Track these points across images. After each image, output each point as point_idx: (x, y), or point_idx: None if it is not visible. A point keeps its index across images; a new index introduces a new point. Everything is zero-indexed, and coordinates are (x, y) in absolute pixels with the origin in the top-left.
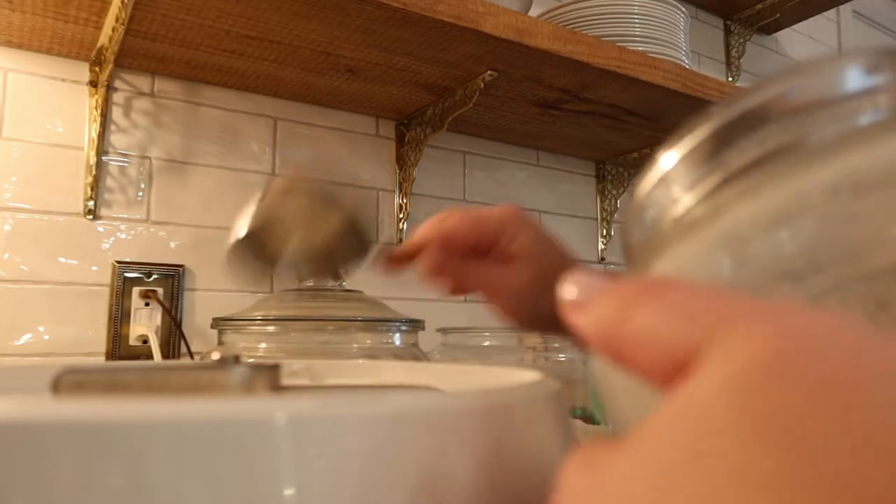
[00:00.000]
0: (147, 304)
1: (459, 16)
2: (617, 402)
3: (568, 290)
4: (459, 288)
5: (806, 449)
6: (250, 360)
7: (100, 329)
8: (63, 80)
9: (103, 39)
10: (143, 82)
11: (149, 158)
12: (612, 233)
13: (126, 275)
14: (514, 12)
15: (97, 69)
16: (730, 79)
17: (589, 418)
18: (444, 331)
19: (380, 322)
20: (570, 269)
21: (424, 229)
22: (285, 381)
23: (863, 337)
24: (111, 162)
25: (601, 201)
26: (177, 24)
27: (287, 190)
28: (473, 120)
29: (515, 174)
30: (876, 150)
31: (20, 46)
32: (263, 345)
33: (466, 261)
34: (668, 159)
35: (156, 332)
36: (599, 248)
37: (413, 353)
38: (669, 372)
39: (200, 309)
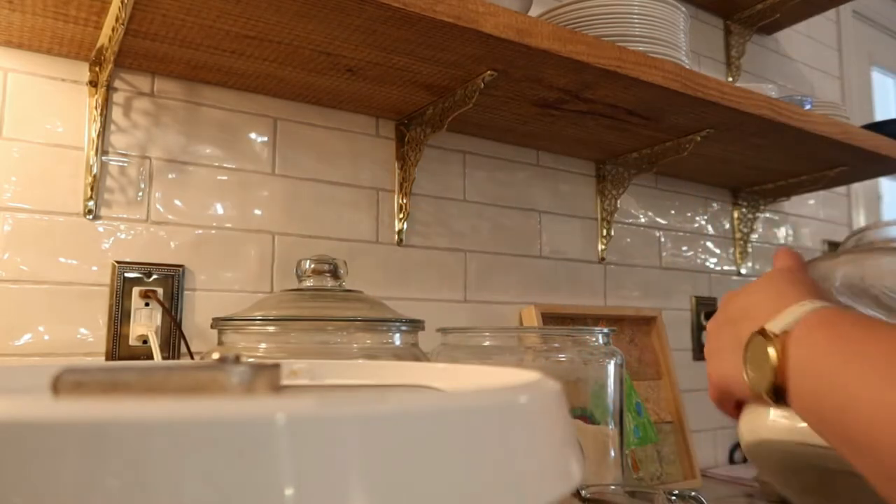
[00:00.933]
0: (147, 304)
1: (459, 16)
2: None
3: None
4: None
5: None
6: (250, 360)
7: (100, 329)
8: (63, 80)
9: (103, 39)
10: (143, 82)
11: (149, 158)
12: (612, 233)
13: (126, 275)
14: (514, 12)
15: (97, 69)
16: (730, 79)
17: (589, 418)
18: (444, 331)
19: (380, 322)
20: None
21: None
22: (285, 381)
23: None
24: (111, 162)
25: (601, 201)
26: (177, 24)
27: None
28: (473, 120)
29: (515, 174)
30: None
31: (20, 46)
32: (263, 345)
33: None
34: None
35: (156, 332)
36: (599, 248)
37: (413, 353)
38: None
39: (200, 309)
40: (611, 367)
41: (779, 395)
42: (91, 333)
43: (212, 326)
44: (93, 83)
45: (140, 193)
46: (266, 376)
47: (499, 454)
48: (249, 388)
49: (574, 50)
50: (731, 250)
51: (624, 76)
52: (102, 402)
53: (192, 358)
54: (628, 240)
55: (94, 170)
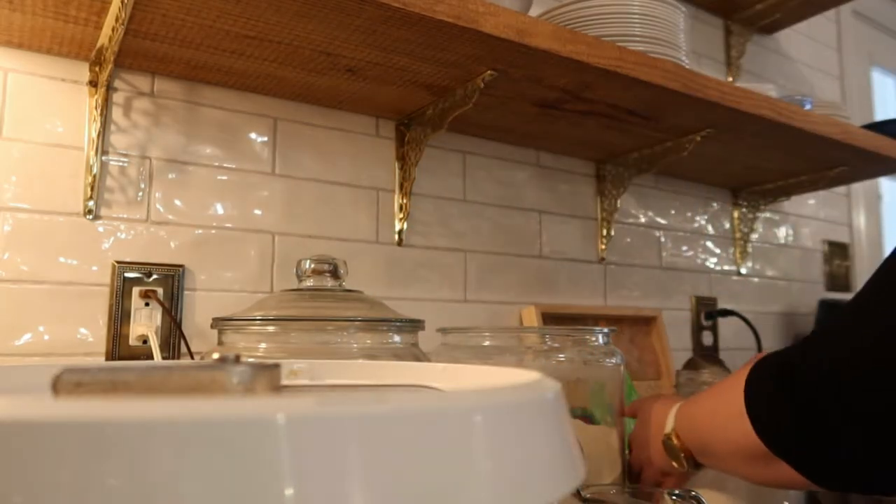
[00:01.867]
0: (147, 304)
1: (459, 16)
2: None
3: None
4: None
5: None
6: (250, 360)
7: (100, 329)
8: (63, 80)
9: (103, 39)
10: (143, 82)
11: (149, 158)
12: (612, 233)
13: (126, 275)
14: (514, 12)
15: (97, 69)
16: (730, 79)
17: (589, 418)
18: (444, 331)
19: (380, 322)
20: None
21: None
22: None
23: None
24: (111, 162)
25: (601, 201)
26: (177, 24)
27: None
28: (473, 120)
29: (515, 174)
30: None
31: (20, 46)
32: (263, 345)
33: None
34: None
35: (156, 332)
36: (599, 248)
37: (413, 353)
38: None
39: (200, 309)
40: (611, 367)
41: (687, 457)
42: (91, 333)
43: (212, 326)
44: (93, 83)
45: (140, 193)
46: (266, 376)
47: (499, 454)
48: (249, 388)
49: (574, 50)
50: (731, 250)
51: (624, 76)
52: (102, 402)
53: (192, 358)
54: (628, 240)
55: (94, 170)
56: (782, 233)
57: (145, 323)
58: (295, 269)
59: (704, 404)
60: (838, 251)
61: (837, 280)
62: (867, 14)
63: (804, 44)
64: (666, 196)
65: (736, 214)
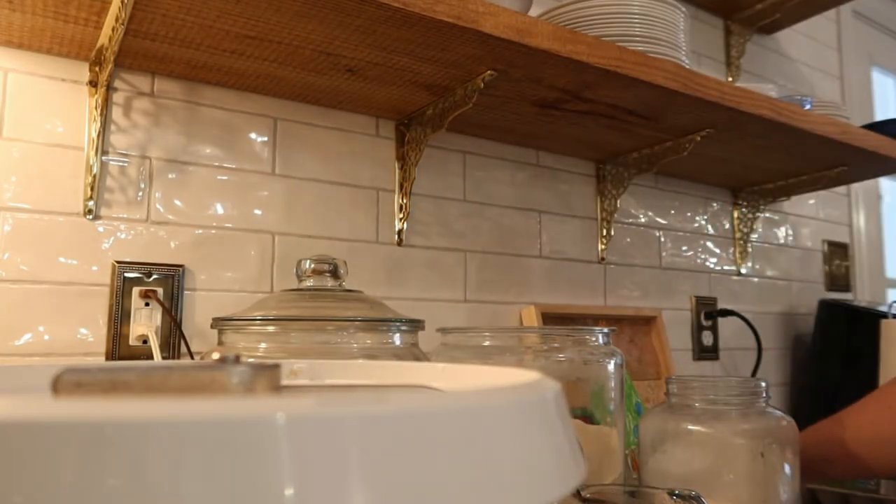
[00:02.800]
0: (147, 304)
1: (459, 16)
2: None
3: None
4: None
5: None
6: (250, 360)
7: (100, 329)
8: (63, 80)
9: (103, 39)
10: (143, 82)
11: (149, 158)
12: (612, 233)
13: (126, 275)
14: (514, 12)
15: (97, 69)
16: (730, 79)
17: (589, 418)
18: (444, 331)
19: (380, 322)
20: None
21: None
22: (285, 381)
23: None
24: (111, 162)
25: (601, 201)
26: (177, 24)
27: None
28: (473, 120)
29: (515, 174)
30: None
31: (20, 46)
32: (263, 345)
33: None
34: None
35: (156, 332)
36: (599, 248)
37: (413, 353)
38: None
39: (200, 309)
40: (611, 367)
41: None
42: (91, 333)
43: (212, 326)
44: (93, 83)
45: (140, 193)
46: (266, 376)
47: (498, 454)
48: (249, 388)
49: (574, 50)
50: (731, 250)
51: (624, 76)
52: (102, 402)
53: (192, 358)
54: (628, 240)
55: (94, 170)
56: (782, 233)
57: (145, 323)
58: (295, 269)
59: None
60: (838, 251)
61: (837, 280)
62: (867, 14)
63: (804, 44)
64: (666, 196)
65: (736, 214)
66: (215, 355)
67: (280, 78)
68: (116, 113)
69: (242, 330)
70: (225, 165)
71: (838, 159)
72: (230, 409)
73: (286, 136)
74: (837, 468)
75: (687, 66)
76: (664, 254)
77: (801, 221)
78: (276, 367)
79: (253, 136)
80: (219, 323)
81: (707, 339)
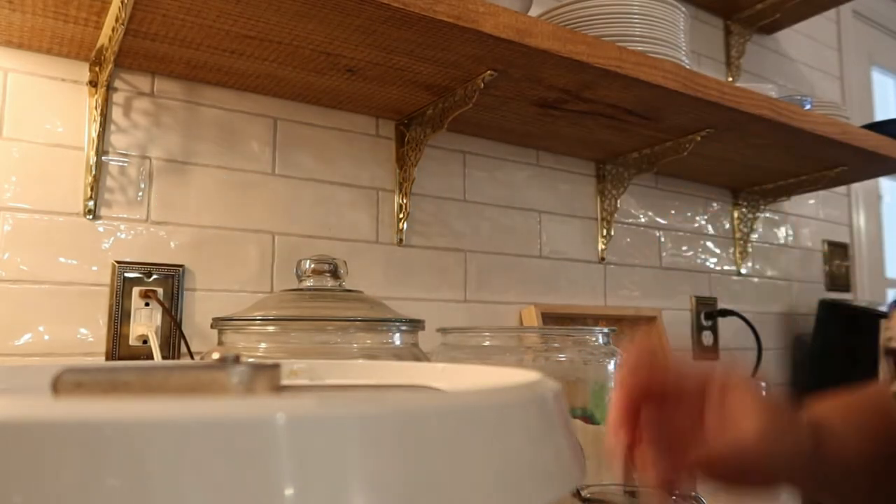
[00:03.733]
0: (147, 304)
1: (459, 16)
2: None
3: None
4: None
5: None
6: (250, 360)
7: (100, 329)
8: (63, 80)
9: (103, 39)
10: (143, 82)
11: (149, 158)
12: (612, 233)
13: (126, 275)
14: (514, 12)
15: (97, 69)
16: (730, 79)
17: (589, 418)
18: (444, 331)
19: (380, 322)
20: None
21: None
22: (285, 381)
23: None
24: (111, 162)
25: (601, 201)
26: (177, 24)
27: None
28: (473, 120)
29: (515, 174)
30: None
31: (20, 46)
32: (263, 345)
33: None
34: None
35: (156, 332)
36: (599, 248)
37: (413, 353)
38: None
39: (200, 309)
40: (611, 367)
41: None
42: (91, 333)
43: (212, 326)
44: (93, 83)
45: (140, 193)
46: (266, 376)
47: (499, 454)
48: (249, 388)
49: (574, 50)
50: (731, 250)
51: (624, 76)
52: (102, 402)
53: (192, 358)
54: (628, 240)
55: (94, 170)
56: (782, 233)
57: (145, 323)
58: (295, 269)
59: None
60: (838, 251)
61: (837, 280)
62: (867, 14)
63: (804, 44)
64: (666, 196)
65: (736, 214)
66: (215, 355)
67: (280, 78)
68: (116, 113)
69: (242, 330)
70: (225, 165)
71: (838, 159)
72: (230, 409)
73: (286, 136)
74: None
75: (687, 66)
76: (664, 254)
77: (801, 221)
78: (276, 367)
79: (253, 136)
80: (219, 323)
81: (707, 339)
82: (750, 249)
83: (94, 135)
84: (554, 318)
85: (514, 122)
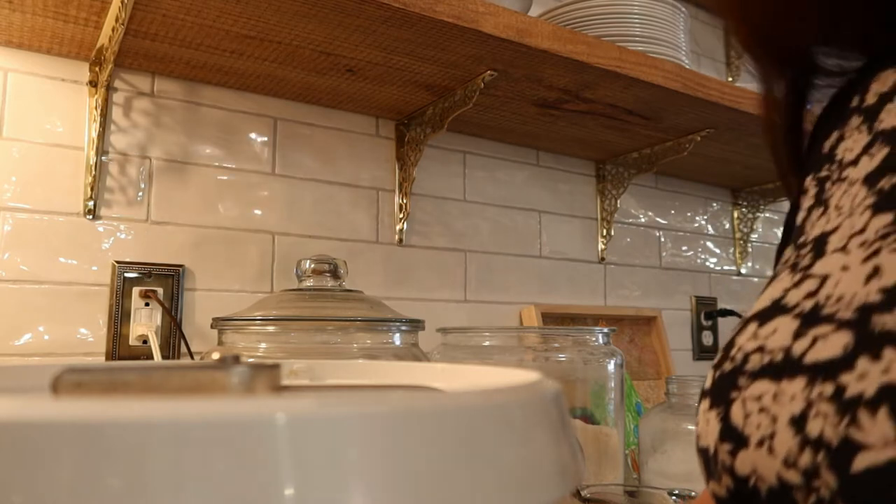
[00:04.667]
0: (147, 304)
1: (459, 16)
2: None
3: None
4: None
5: None
6: (250, 360)
7: (100, 329)
8: (63, 80)
9: (103, 39)
10: (143, 82)
11: (149, 158)
12: (612, 232)
13: (126, 275)
14: (514, 12)
15: (97, 69)
16: (730, 79)
17: (589, 418)
18: (444, 331)
19: (380, 322)
20: None
21: None
22: (285, 381)
23: None
24: (111, 162)
25: (601, 201)
26: (177, 24)
27: None
28: (473, 120)
29: (515, 174)
30: None
31: (20, 46)
32: (263, 345)
33: None
34: None
35: (156, 332)
36: (599, 248)
37: (413, 353)
38: None
39: (200, 309)
40: (611, 367)
41: None
42: (91, 333)
43: (212, 326)
44: (93, 83)
45: (140, 193)
46: (266, 376)
47: (498, 454)
48: (249, 388)
49: (574, 50)
50: (731, 250)
51: (624, 76)
52: (102, 402)
53: (192, 358)
54: (628, 240)
55: (94, 170)
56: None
57: (145, 323)
58: (295, 269)
59: None
60: None
61: None
62: None
63: None
64: (666, 196)
65: (736, 214)
66: (215, 355)
67: (280, 78)
68: (116, 113)
69: (242, 330)
70: (225, 165)
71: None
72: (230, 409)
73: (286, 136)
74: None
75: (687, 66)
76: (664, 254)
77: None
78: (276, 367)
79: (253, 136)
80: (219, 323)
81: (707, 339)
82: (750, 249)
83: (94, 135)
84: (554, 318)
85: (514, 122)
